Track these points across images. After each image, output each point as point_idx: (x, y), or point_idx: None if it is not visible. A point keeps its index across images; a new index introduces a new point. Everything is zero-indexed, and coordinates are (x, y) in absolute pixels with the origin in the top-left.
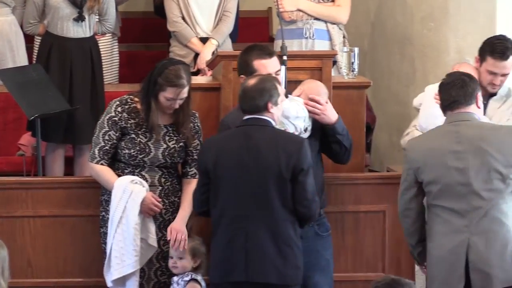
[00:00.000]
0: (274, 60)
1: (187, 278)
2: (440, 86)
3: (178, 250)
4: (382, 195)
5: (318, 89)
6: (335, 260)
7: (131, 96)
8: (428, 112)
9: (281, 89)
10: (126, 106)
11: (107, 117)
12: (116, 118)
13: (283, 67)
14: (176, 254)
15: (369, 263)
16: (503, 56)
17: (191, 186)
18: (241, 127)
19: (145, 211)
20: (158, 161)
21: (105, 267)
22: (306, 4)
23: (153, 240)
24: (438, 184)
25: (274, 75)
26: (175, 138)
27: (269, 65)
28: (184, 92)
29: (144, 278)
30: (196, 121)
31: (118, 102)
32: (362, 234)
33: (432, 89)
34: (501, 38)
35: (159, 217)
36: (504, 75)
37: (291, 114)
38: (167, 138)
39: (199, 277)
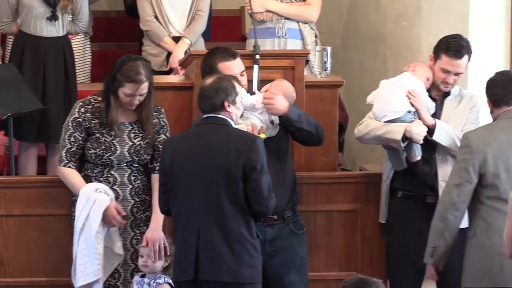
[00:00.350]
0: (238, 61)
1: (160, 281)
2: (493, 82)
3: (146, 249)
4: (355, 194)
5: (284, 89)
6: (308, 259)
7: (94, 96)
8: (385, 101)
9: (240, 88)
10: (90, 107)
11: (71, 119)
12: (80, 119)
13: (256, 66)
14: (146, 252)
15: (342, 262)
16: (458, 55)
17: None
18: (198, 126)
19: (107, 221)
20: (124, 158)
21: (72, 272)
22: (275, 4)
23: (118, 248)
24: (502, 178)
25: (239, 76)
26: (140, 135)
27: (233, 67)
28: (143, 88)
29: (120, 280)
30: (162, 116)
31: (81, 103)
32: (334, 233)
33: (387, 83)
34: (457, 37)
35: (131, 216)
36: (458, 74)
37: (256, 107)
38: (132, 135)
39: (170, 281)
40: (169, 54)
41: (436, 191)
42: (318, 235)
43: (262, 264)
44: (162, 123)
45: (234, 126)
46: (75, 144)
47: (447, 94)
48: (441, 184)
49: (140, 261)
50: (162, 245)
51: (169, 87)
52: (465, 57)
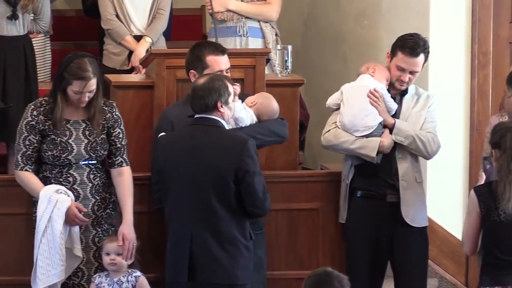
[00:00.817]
0: (226, 57)
1: (137, 274)
2: None
3: (116, 244)
4: (316, 193)
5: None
6: (269, 258)
7: (45, 98)
8: (356, 115)
9: (232, 88)
10: (42, 109)
11: (24, 123)
12: (33, 122)
13: None
14: (115, 250)
15: (303, 261)
16: (413, 53)
17: (123, 177)
18: (190, 126)
19: (70, 220)
20: (82, 156)
21: (32, 277)
22: (235, 4)
23: (78, 250)
24: None
25: (225, 72)
26: (94, 131)
27: (221, 62)
28: (92, 85)
29: (84, 279)
30: (114, 110)
31: (33, 106)
32: (295, 232)
33: (349, 88)
34: (415, 36)
35: (92, 214)
36: (413, 73)
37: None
38: (87, 132)
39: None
40: (130, 52)
41: (397, 189)
42: (279, 234)
43: None
44: (116, 117)
45: (226, 127)
46: (31, 147)
47: (404, 92)
48: (402, 183)
49: (107, 259)
50: (134, 246)
51: (130, 86)
52: (421, 56)
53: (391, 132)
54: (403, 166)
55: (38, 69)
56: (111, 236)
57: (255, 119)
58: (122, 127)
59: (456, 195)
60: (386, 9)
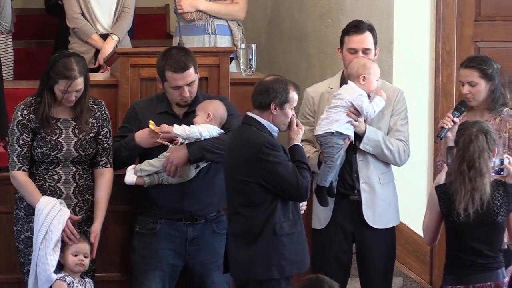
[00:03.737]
0: (188, 72)
1: (89, 280)
2: None
3: (85, 246)
4: None
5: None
6: None
7: (33, 97)
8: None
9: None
10: (32, 108)
11: (15, 122)
12: (24, 121)
13: None
14: (84, 251)
15: None
16: (358, 30)
17: (104, 178)
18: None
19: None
20: (71, 155)
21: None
22: (205, 4)
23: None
24: None
25: (186, 87)
26: (84, 130)
27: (179, 79)
28: (78, 84)
29: None
30: (103, 109)
31: (23, 106)
32: None
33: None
34: (357, 19)
35: (72, 215)
36: (365, 51)
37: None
38: (76, 131)
39: None
40: (97, 51)
41: (358, 191)
42: None
43: (184, 264)
44: (105, 115)
45: (274, 132)
46: (25, 146)
47: None
48: (363, 186)
49: (75, 260)
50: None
51: (95, 84)
52: (367, 32)
53: (360, 141)
54: (363, 169)
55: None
56: (80, 237)
57: (217, 131)
58: (110, 126)
59: (420, 194)
60: (350, 8)
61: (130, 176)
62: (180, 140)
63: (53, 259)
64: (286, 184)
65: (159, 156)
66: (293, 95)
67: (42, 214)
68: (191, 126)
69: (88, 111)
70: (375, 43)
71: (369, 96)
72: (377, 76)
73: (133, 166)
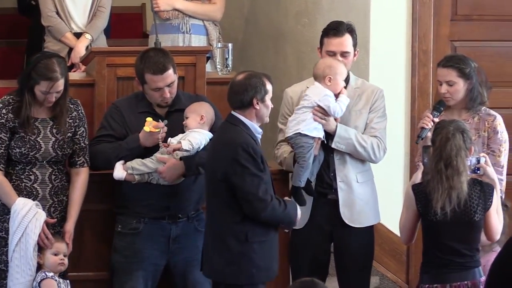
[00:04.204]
0: (168, 73)
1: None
2: None
3: (64, 245)
4: None
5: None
6: None
7: (11, 96)
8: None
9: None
10: (10, 107)
11: None
12: (3, 121)
13: None
14: (64, 250)
15: None
16: (337, 33)
17: (80, 177)
18: (223, 121)
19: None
20: (49, 155)
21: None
22: (182, 3)
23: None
24: None
25: (166, 88)
26: (62, 130)
27: (159, 80)
28: (59, 85)
29: None
30: (79, 108)
31: (1, 105)
32: None
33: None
34: (337, 21)
35: (47, 215)
36: (344, 54)
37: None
38: (54, 130)
39: None
40: (70, 50)
41: (336, 190)
42: None
43: (166, 262)
44: (81, 115)
45: (258, 134)
46: (3, 146)
47: (345, 83)
48: (340, 184)
49: (56, 259)
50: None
51: (71, 84)
52: (347, 35)
53: (332, 140)
54: (340, 168)
55: None
56: (56, 236)
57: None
58: (86, 125)
59: (397, 193)
60: (327, 7)
61: (120, 172)
62: (180, 154)
63: (34, 263)
64: (244, 193)
65: (152, 157)
66: (269, 86)
67: (19, 216)
68: (192, 136)
69: (67, 111)
70: (355, 45)
71: (336, 96)
72: (344, 76)
73: (122, 161)
